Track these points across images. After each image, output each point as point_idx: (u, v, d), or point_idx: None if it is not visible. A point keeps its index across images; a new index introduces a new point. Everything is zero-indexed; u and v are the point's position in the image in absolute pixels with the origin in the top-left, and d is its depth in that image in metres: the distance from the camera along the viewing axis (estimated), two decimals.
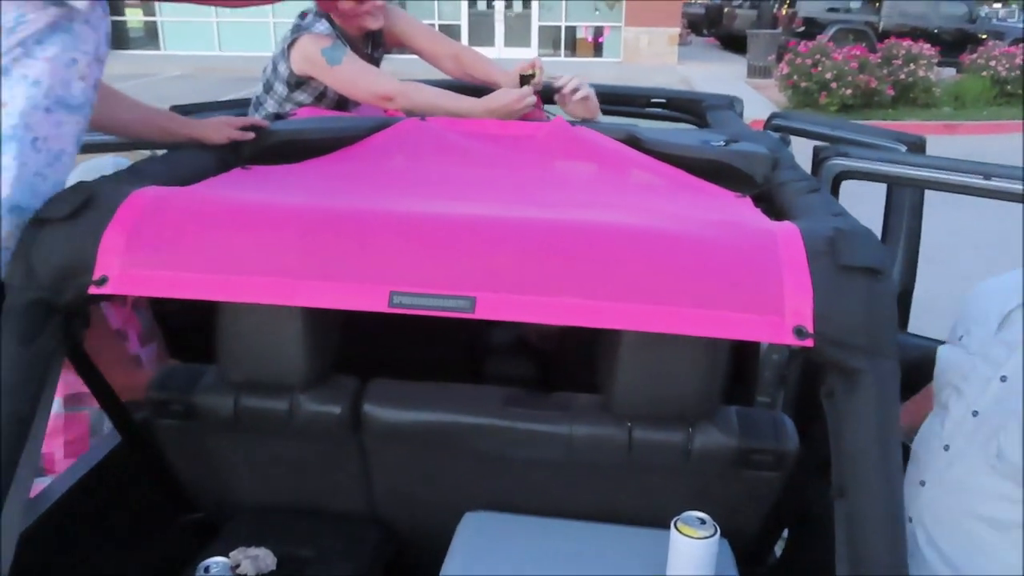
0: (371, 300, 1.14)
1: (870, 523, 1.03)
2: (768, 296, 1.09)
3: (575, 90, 2.15)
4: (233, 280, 1.17)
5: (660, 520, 1.34)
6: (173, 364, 1.80)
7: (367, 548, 1.56)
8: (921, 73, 11.62)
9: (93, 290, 1.18)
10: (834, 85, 11.08)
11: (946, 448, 1.36)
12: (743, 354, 2.02)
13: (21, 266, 1.19)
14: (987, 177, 1.77)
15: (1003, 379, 1.31)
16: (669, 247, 1.16)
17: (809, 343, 1.07)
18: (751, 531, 1.52)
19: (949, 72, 13.51)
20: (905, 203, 2.20)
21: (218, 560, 1.33)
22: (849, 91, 11.09)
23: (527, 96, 2.01)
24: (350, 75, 2.09)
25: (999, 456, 1.27)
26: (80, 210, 1.21)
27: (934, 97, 11.88)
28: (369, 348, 1.67)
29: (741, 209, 1.48)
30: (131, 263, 1.18)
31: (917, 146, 2.08)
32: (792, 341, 1.07)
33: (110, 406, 1.55)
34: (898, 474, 1.06)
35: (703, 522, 1.29)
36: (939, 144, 2.60)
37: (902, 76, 11.53)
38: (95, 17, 1.29)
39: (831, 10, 16.22)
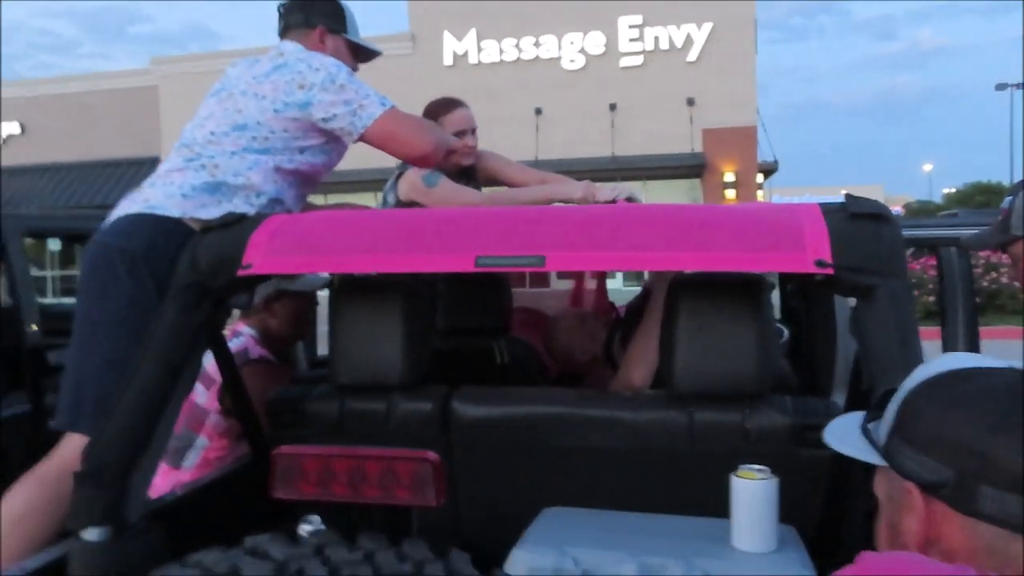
0: (461, 263, 1.40)
1: None
2: (790, 238, 1.32)
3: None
4: (345, 257, 1.46)
5: (725, 512, 1.44)
6: None
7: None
8: (1005, 280, 11.69)
9: (241, 273, 1.49)
10: (916, 292, 11.22)
11: None
12: (817, 356, 2.14)
13: (189, 259, 1.53)
14: None
15: None
16: (711, 211, 1.42)
17: (829, 271, 1.28)
18: (815, 518, 1.58)
19: None
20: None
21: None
22: (932, 298, 11.18)
23: (592, 186, 2.35)
24: (443, 193, 2.51)
25: None
26: (234, 223, 1.58)
27: (1019, 304, 11.83)
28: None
29: None
30: (269, 253, 1.50)
31: None
32: (815, 270, 1.29)
33: (246, 419, 1.79)
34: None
35: (761, 470, 1.39)
36: None
37: (985, 284, 11.61)
38: None
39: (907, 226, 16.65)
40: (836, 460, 1.53)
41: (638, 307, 2.74)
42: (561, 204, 2.36)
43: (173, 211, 1.88)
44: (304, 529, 1.42)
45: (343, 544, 0.78)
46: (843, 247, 1.30)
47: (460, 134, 2.63)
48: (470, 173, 2.82)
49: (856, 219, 1.33)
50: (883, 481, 0.87)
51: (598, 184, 2.37)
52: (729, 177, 19.11)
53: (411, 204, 2.60)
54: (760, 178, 20.55)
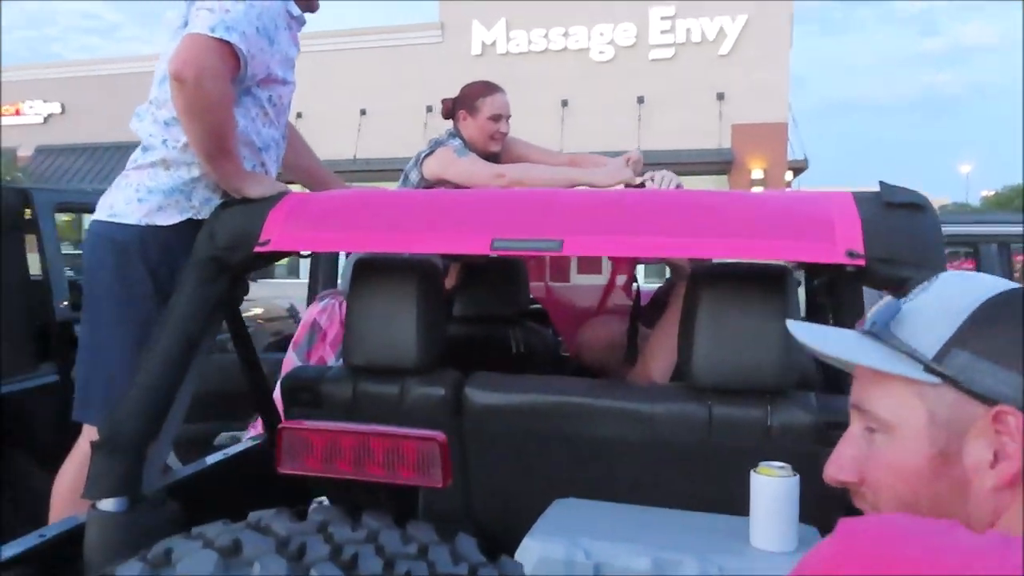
0: (476, 244, 1.37)
1: None
2: (820, 227, 1.27)
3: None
4: (362, 235, 1.44)
5: (744, 510, 1.39)
6: None
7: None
8: None
9: (258, 249, 1.47)
10: None
11: None
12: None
13: (207, 233, 1.52)
14: None
15: None
16: (738, 198, 1.37)
17: (861, 263, 1.22)
18: (837, 519, 1.52)
19: None
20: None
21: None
22: None
23: (624, 170, 2.30)
24: (471, 163, 2.52)
25: None
26: (252, 200, 1.56)
27: None
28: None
29: None
30: (287, 229, 1.48)
31: None
32: (846, 260, 1.23)
33: (259, 397, 1.77)
34: None
35: (781, 468, 1.34)
36: None
37: None
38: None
39: None
40: None
41: (660, 299, 2.70)
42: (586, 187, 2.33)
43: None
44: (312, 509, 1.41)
45: (347, 522, 0.76)
46: (876, 237, 1.24)
47: (496, 119, 2.64)
48: (494, 160, 2.79)
49: (891, 208, 1.27)
50: (920, 402, 0.73)
51: (650, 174, 2.32)
52: (757, 174, 18.90)
53: (436, 183, 2.58)
54: (789, 176, 20.30)
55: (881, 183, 1.34)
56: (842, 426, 1.48)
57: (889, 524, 0.65)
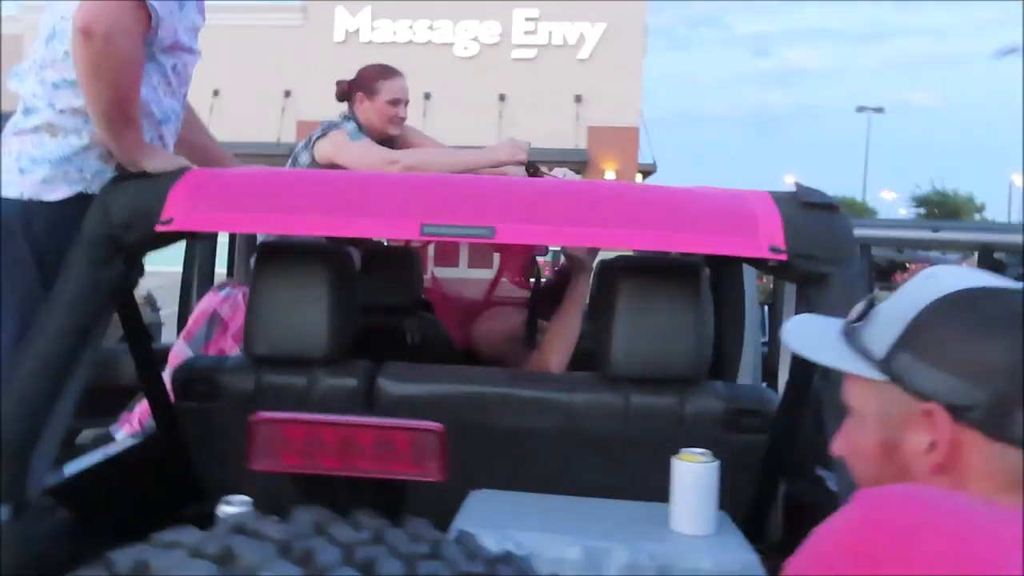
0: (405, 229, 1.32)
1: None
2: (745, 224, 1.32)
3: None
4: (282, 217, 1.35)
5: (656, 496, 1.42)
6: None
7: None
8: None
9: (160, 228, 1.35)
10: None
11: None
12: (724, 342, 2.19)
13: (100, 209, 1.38)
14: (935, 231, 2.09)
15: None
16: (662, 192, 1.40)
17: (783, 257, 1.28)
18: (745, 504, 1.60)
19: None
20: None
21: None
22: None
23: (519, 147, 2.31)
24: (364, 147, 2.44)
25: None
26: (151, 174, 1.44)
27: None
28: None
29: None
30: (193, 209, 1.37)
31: None
32: (769, 255, 1.29)
33: (152, 389, 1.63)
34: None
35: (702, 453, 1.39)
36: None
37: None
38: None
39: None
40: (768, 445, 1.55)
41: (552, 291, 2.74)
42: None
43: None
44: (224, 511, 1.31)
45: (346, 523, 0.69)
46: (796, 234, 1.30)
47: (395, 103, 2.58)
48: (391, 145, 2.72)
49: (808, 208, 1.34)
50: (873, 396, 0.82)
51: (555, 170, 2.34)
52: (610, 175, 19.58)
53: (328, 167, 2.48)
54: (639, 178, 21.17)
55: (797, 184, 1.42)
56: (748, 413, 1.56)
57: (914, 495, 0.69)
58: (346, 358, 1.62)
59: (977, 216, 37.12)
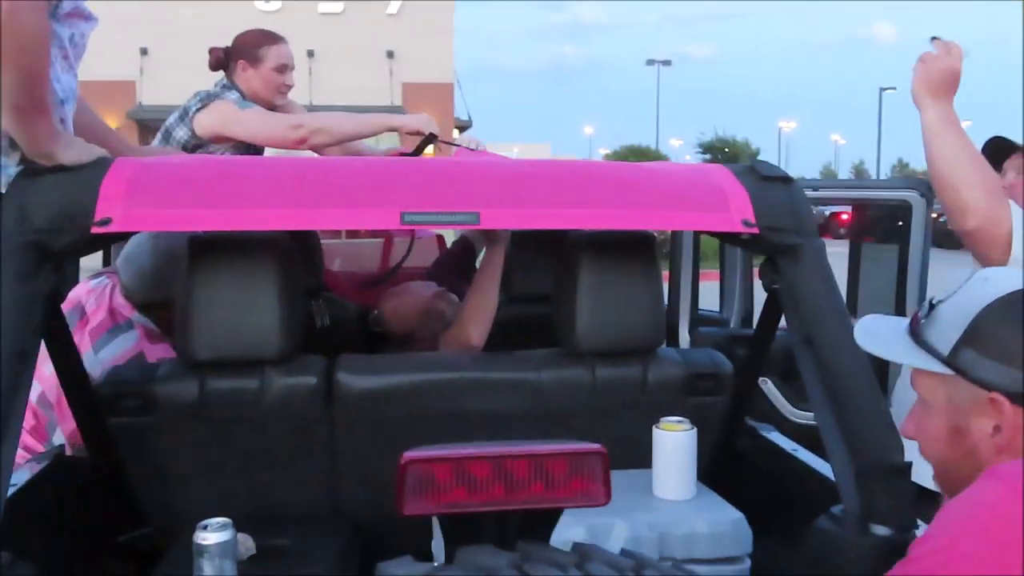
0: (384, 219, 1.26)
1: (838, 355, 1.25)
2: (716, 200, 1.36)
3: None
4: (246, 212, 1.24)
5: (625, 465, 1.46)
6: None
7: (334, 546, 1.52)
8: None
9: (96, 230, 1.19)
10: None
11: None
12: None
13: (15, 212, 1.19)
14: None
15: None
16: (630, 169, 1.41)
17: (755, 231, 1.33)
18: (703, 464, 1.68)
19: None
20: None
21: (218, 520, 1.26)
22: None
23: (434, 125, 2.25)
24: (260, 115, 2.28)
25: None
26: (68, 168, 1.25)
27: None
28: None
29: None
30: (133, 205, 1.22)
31: None
32: (743, 229, 1.34)
33: (79, 403, 1.45)
34: (847, 319, 1.31)
35: (680, 421, 1.45)
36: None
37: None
38: None
39: None
40: (726, 406, 1.63)
41: (453, 262, 2.70)
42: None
43: None
44: (203, 537, 1.20)
45: (548, 553, 0.64)
46: (763, 208, 1.36)
47: (281, 69, 2.42)
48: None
49: (767, 181, 1.40)
50: (940, 387, 0.97)
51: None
52: None
53: (201, 144, 2.28)
54: (456, 134, 21.11)
55: (753, 160, 1.48)
56: (705, 377, 1.64)
57: None
58: (298, 355, 1.52)
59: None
